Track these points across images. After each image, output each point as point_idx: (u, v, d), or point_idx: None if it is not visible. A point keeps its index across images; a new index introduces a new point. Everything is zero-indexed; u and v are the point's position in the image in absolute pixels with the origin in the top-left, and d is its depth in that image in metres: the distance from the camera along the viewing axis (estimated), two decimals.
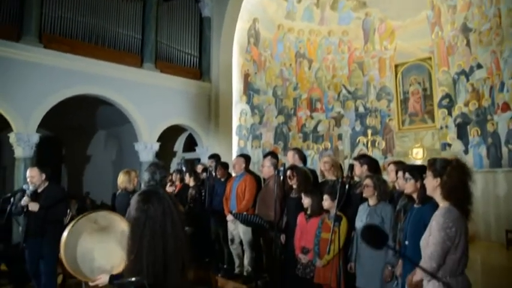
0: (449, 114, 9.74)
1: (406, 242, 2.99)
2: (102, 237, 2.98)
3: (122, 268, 2.10)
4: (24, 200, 4.16)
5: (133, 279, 1.90)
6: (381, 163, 5.74)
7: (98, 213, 3.18)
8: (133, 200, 2.15)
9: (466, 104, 9.36)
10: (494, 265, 6.57)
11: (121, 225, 3.02)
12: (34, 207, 4.14)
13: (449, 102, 9.78)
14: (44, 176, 4.36)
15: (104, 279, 2.20)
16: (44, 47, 7.75)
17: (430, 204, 2.86)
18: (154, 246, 1.98)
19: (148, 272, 1.95)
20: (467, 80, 9.31)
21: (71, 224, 2.95)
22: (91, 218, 3.07)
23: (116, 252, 2.06)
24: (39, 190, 4.33)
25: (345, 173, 4.22)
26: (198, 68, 10.44)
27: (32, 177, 4.29)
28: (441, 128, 9.85)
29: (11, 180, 8.23)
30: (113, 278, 2.16)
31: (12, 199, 3.87)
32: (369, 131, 10.51)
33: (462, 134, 9.44)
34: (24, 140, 7.64)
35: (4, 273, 5.16)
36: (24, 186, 4.13)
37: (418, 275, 2.50)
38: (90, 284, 2.32)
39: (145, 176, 3.61)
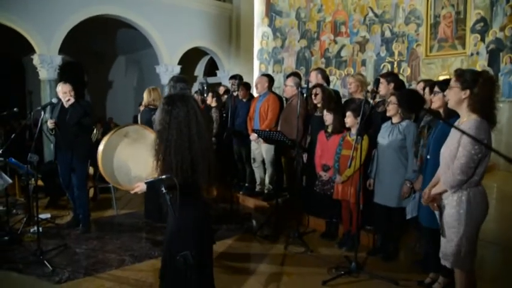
0: (482, 40, 9.21)
1: (428, 156, 3.00)
2: (134, 149, 3.11)
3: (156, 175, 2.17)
4: (50, 123, 4.33)
5: (163, 176, 1.97)
6: None
7: (128, 127, 3.29)
8: (159, 104, 2.19)
9: (502, 29, 8.81)
10: (510, 192, 6.61)
11: (151, 137, 3.12)
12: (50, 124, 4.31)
13: (484, 26, 9.20)
14: (74, 93, 4.45)
15: (141, 186, 2.28)
16: None
17: (455, 119, 2.82)
18: (181, 145, 2.04)
19: (177, 172, 2.03)
20: (507, 1, 8.65)
21: (104, 139, 3.06)
22: (122, 131, 3.19)
23: (149, 162, 2.14)
24: (67, 105, 4.45)
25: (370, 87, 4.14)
26: None
27: (68, 93, 4.38)
28: (471, 54, 9.38)
29: (38, 104, 8.47)
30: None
31: (42, 112, 3.99)
32: (396, 52, 10.13)
33: (493, 61, 9.00)
34: (47, 61, 7.73)
35: (40, 188, 5.50)
36: (53, 100, 4.23)
37: (438, 187, 2.50)
38: (131, 192, 2.43)
39: (166, 90, 3.65)
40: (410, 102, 2.09)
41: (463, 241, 2.35)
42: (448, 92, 2.45)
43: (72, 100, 4.37)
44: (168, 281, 2.20)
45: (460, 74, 2.39)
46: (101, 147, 3.03)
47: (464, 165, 2.28)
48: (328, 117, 4.09)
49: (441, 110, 2.97)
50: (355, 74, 4.48)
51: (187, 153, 2.04)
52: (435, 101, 2.95)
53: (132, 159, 3.02)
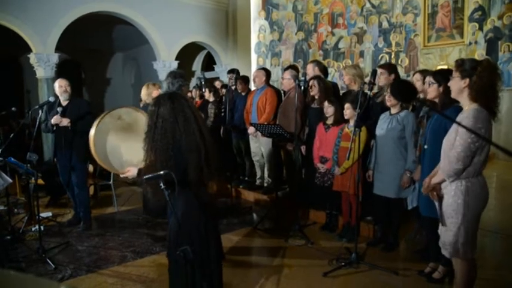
0: (480, 28, 9.18)
1: (425, 146, 3.01)
2: (127, 133, 3.09)
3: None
4: (55, 118, 4.26)
5: (161, 172, 1.97)
6: None
7: (121, 109, 3.24)
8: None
9: (500, 17, 8.77)
10: (510, 181, 6.63)
11: (143, 120, 3.10)
12: (65, 123, 4.28)
13: (482, 15, 9.17)
14: (70, 88, 4.44)
15: (132, 171, 2.28)
16: None
17: (452, 109, 2.82)
18: (166, 143, 2.03)
19: (163, 169, 2.00)
20: None
21: (96, 121, 3.04)
22: (115, 114, 3.15)
23: (141, 148, 2.14)
24: (65, 103, 4.44)
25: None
26: None
27: (64, 87, 4.38)
28: (470, 43, 9.36)
29: (36, 103, 8.45)
30: (141, 171, 2.24)
31: (40, 111, 3.99)
32: (393, 42, 10.11)
33: (492, 50, 8.97)
34: (44, 60, 7.70)
35: (41, 187, 5.51)
36: (50, 99, 4.23)
37: (438, 177, 2.50)
38: (121, 176, 2.44)
39: (164, 86, 3.64)
40: (403, 92, 2.09)
41: (460, 231, 2.36)
42: (450, 82, 2.44)
43: (67, 96, 4.37)
44: (172, 276, 2.22)
45: (460, 63, 2.38)
46: (92, 131, 3.01)
47: (460, 154, 2.27)
48: (329, 110, 4.08)
49: (436, 100, 2.97)
50: (347, 66, 4.45)
51: (172, 149, 2.03)
52: (430, 92, 2.94)
53: (123, 144, 2.99)
